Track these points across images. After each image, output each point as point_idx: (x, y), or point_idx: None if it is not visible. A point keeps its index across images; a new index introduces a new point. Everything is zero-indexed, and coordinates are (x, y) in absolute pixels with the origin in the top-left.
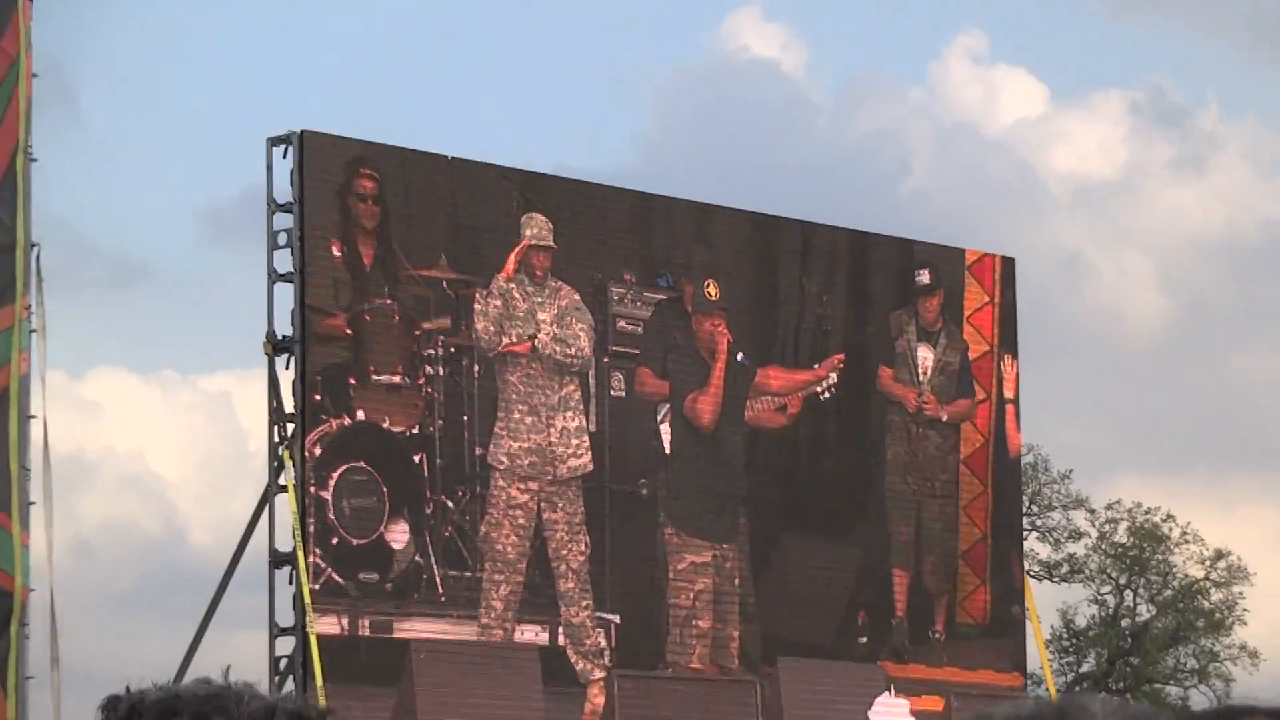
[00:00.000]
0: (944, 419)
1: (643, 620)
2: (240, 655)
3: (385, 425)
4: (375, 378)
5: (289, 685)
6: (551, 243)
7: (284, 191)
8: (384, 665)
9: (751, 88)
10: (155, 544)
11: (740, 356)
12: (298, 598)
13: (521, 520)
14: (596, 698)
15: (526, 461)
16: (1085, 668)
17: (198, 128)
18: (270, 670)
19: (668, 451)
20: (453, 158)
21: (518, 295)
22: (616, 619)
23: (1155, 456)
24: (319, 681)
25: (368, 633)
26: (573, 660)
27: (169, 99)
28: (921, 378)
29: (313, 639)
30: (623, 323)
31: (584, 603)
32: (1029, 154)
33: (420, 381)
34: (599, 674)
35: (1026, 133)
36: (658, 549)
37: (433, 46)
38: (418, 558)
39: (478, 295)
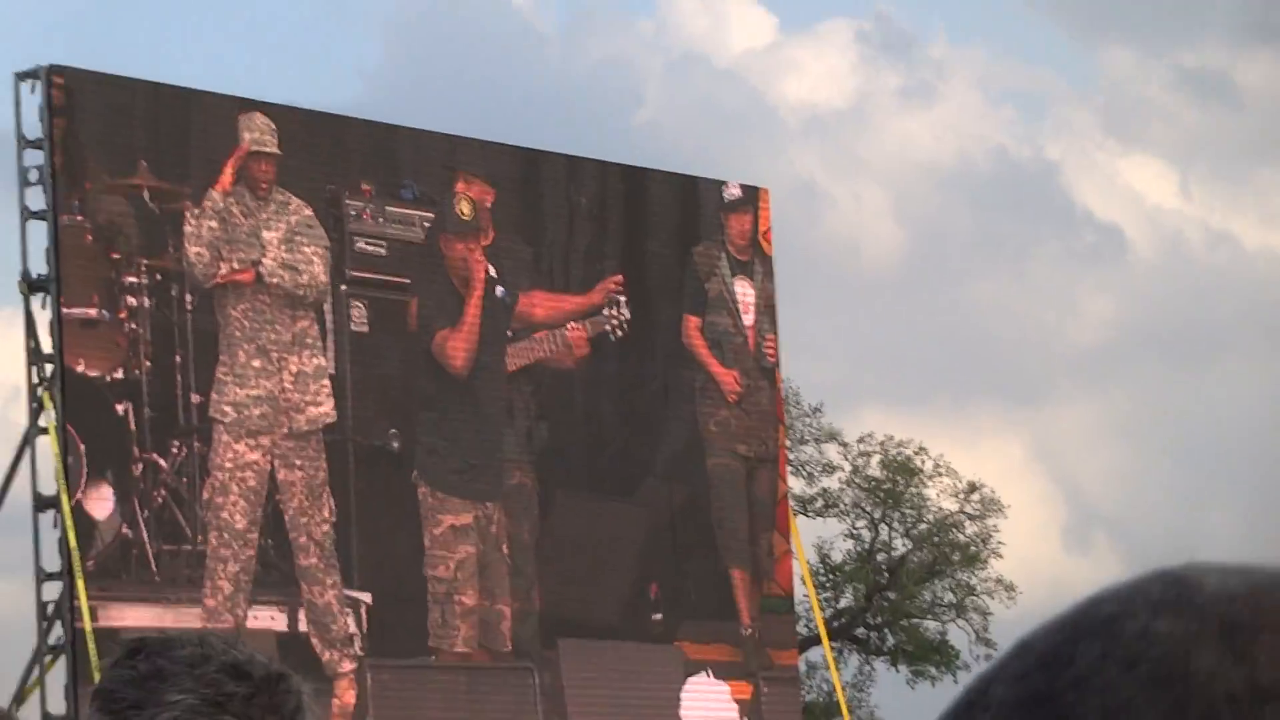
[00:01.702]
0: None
1: (398, 598)
2: (3, 602)
3: (80, 369)
4: (66, 311)
5: (57, 630)
6: (276, 149)
7: (33, 128)
8: (85, 662)
9: (478, 19)
10: None
11: (500, 291)
12: (63, 542)
13: (252, 482)
14: (346, 693)
15: (256, 412)
16: (843, 603)
17: None
18: (38, 616)
19: (418, 396)
20: (160, 83)
21: (238, 212)
22: (368, 598)
23: (899, 388)
24: (87, 625)
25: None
26: (317, 649)
27: None
28: (745, 318)
29: (80, 583)
30: (362, 243)
31: (329, 580)
32: (760, 84)
33: (122, 316)
34: (348, 665)
35: (756, 62)
36: (413, 513)
37: None
38: (125, 529)
39: (189, 215)
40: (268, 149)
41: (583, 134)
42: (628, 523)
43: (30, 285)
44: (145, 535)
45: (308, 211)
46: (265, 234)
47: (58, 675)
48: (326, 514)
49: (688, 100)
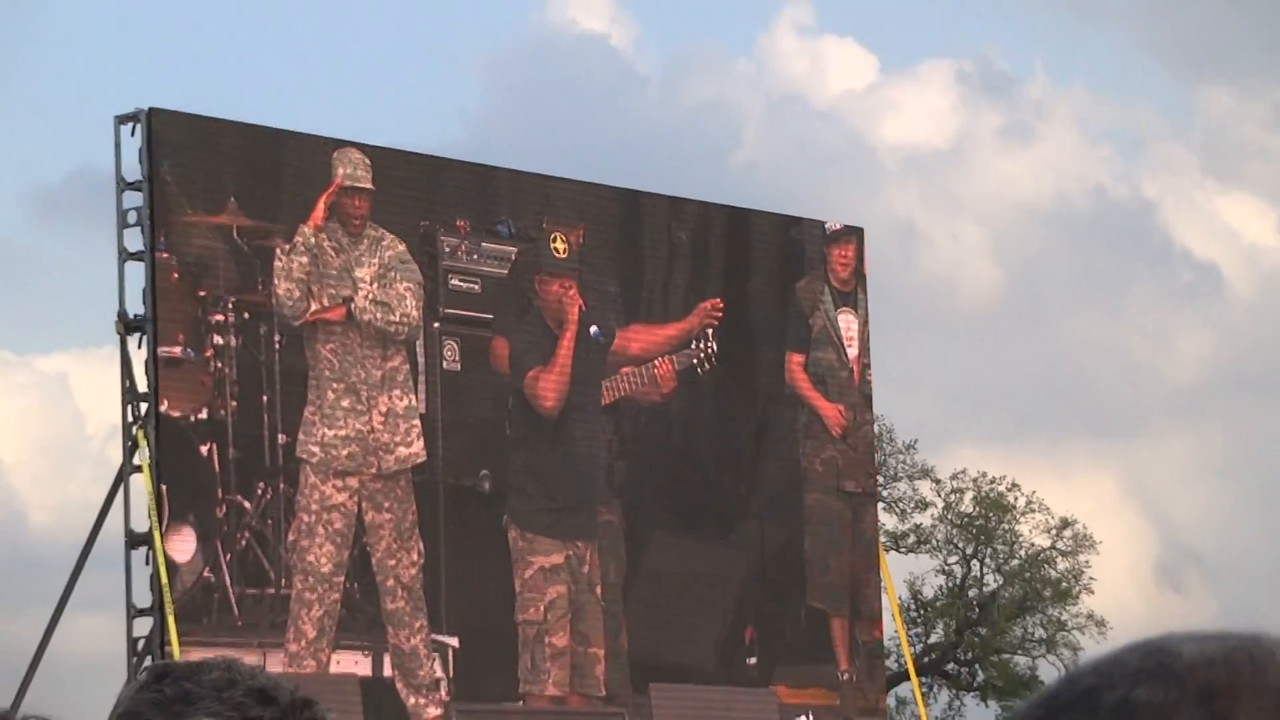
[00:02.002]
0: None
1: (487, 642)
2: (95, 638)
3: (163, 409)
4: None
5: (146, 665)
6: (370, 184)
7: (131, 170)
8: None
9: (581, 62)
10: None
11: (594, 330)
12: (154, 578)
13: (339, 525)
14: None
15: (344, 452)
16: (933, 638)
17: (24, 109)
18: (128, 651)
19: (509, 436)
20: (254, 125)
21: (330, 249)
22: (455, 642)
23: (993, 425)
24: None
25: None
26: (402, 694)
27: None
28: (849, 350)
29: (170, 619)
30: (455, 279)
31: (417, 624)
32: (859, 124)
33: (207, 355)
34: (434, 710)
35: (856, 103)
36: (503, 555)
37: (254, 23)
38: (207, 573)
39: (279, 251)
40: (361, 184)
41: (681, 175)
42: (722, 564)
43: (127, 325)
44: (228, 579)
45: (401, 247)
46: (357, 271)
47: None
48: (415, 556)
49: (786, 141)
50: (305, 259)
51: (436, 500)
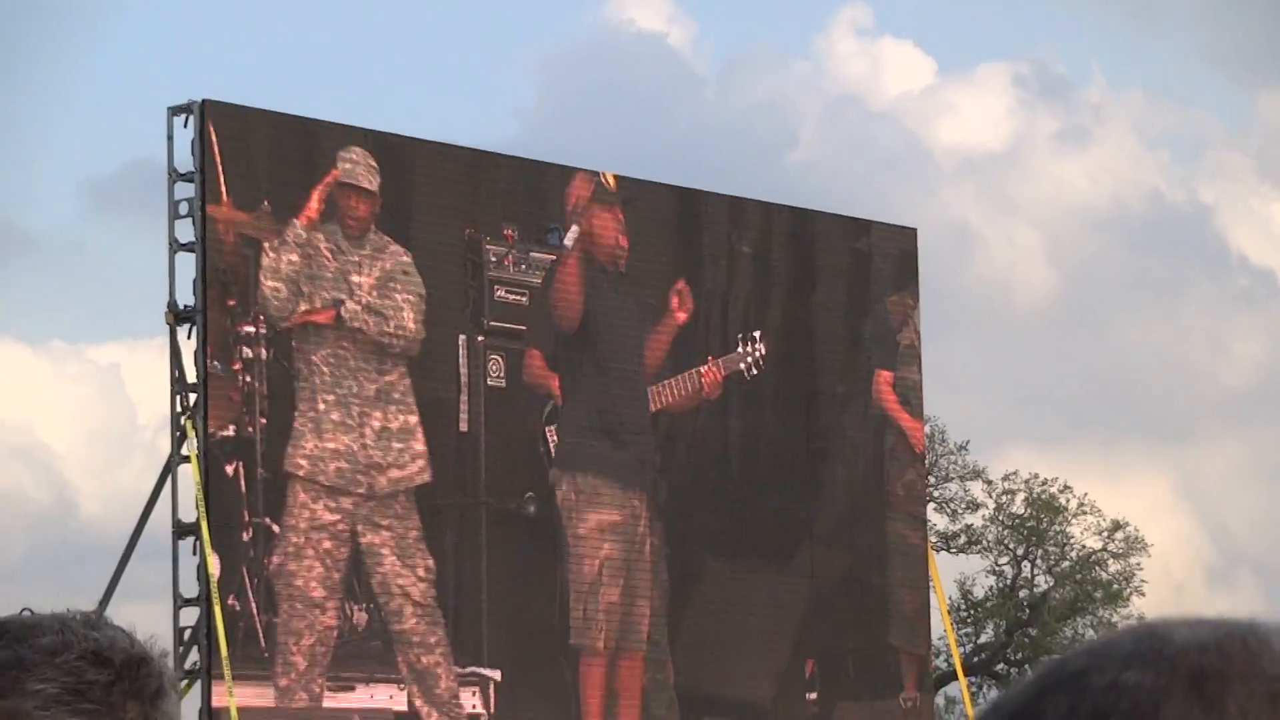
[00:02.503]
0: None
1: (532, 673)
2: (141, 627)
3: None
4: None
5: (193, 656)
6: (373, 187)
7: (184, 161)
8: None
9: (638, 61)
10: (45, 515)
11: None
12: (201, 569)
13: (328, 545)
14: None
15: (332, 467)
16: (983, 639)
17: (80, 101)
18: (175, 641)
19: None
20: (304, 117)
21: (326, 250)
22: (497, 675)
23: (1046, 427)
24: (223, 652)
25: None
26: None
27: (50, 73)
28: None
29: (217, 609)
30: (502, 291)
31: (433, 638)
32: (916, 126)
33: (235, 368)
34: None
35: (912, 105)
36: (549, 580)
37: (310, 18)
38: (232, 601)
39: (266, 247)
40: (360, 183)
41: (737, 175)
42: (781, 591)
43: (176, 316)
44: (254, 607)
45: (406, 258)
46: (354, 276)
47: (192, 700)
48: (422, 572)
49: (843, 142)
50: (295, 256)
51: (479, 524)
